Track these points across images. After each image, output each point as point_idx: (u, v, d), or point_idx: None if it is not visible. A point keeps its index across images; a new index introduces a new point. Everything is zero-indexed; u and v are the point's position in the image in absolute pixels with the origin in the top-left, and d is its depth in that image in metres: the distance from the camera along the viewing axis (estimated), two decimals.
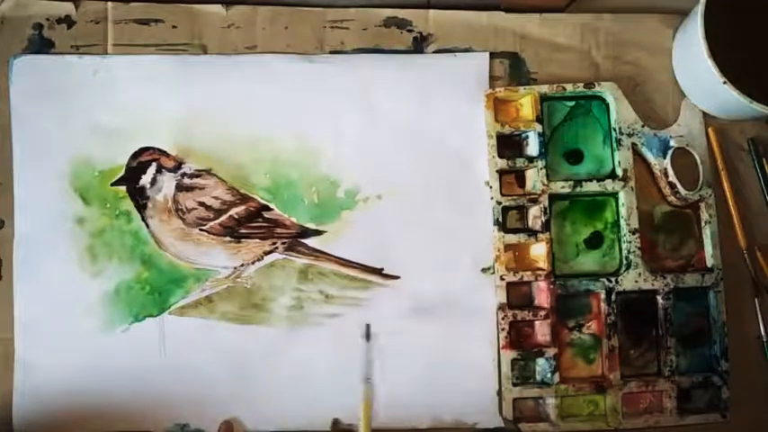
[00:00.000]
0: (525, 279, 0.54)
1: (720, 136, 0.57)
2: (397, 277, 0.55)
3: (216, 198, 0.55)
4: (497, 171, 0.55)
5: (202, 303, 0.54)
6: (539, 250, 0.54)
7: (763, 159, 0.57)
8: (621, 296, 0.54)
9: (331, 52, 0.57)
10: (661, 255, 0.56)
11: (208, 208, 0.54)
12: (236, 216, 0.54)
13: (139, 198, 0.54)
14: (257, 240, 0.54)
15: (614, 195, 0.56)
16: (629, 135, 0.56)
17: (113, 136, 0.54)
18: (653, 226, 0.56)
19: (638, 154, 0.56)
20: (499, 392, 0.54)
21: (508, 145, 0.56)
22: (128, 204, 0.54)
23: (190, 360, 0.53)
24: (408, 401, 0.53)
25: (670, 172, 0.55)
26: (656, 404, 0.54)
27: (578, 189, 0.55)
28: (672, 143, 0.56)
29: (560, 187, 0.55)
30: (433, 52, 0.57)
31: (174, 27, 0.56)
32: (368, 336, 0.52)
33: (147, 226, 0.54)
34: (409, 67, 0.56)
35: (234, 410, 0.53)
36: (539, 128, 0.55)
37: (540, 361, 0.54)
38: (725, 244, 0.56)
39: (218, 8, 0.56)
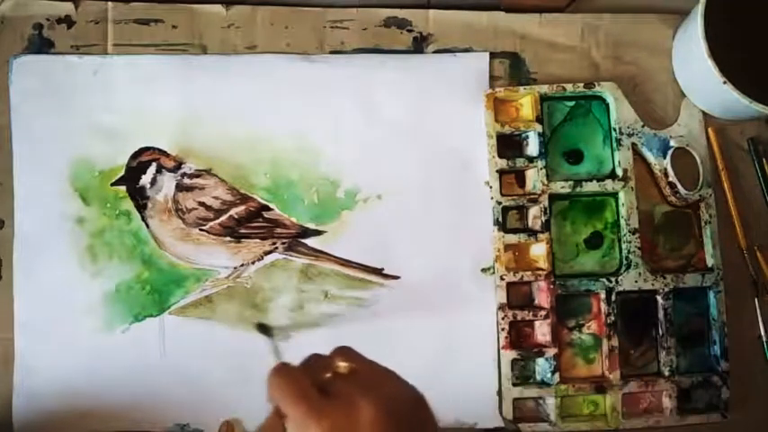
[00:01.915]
0: (525, 279, 0.54)
1: (720, 136, 0.57)
2: (397, 277, 0.55)
3: (216, 198, 0.55)
4: (497, 171, 0.55)
5: (202, 303, 0.54)
6: (539, 250, 0.54)
7: (763, 159, 0.57)
8: (621, 296, 0.54)
9: (331, 52, 0.57)
10: (661, 255, 0.56)
11: (208, 208, 0.54)
12: (236, 216, 0.54)
13: (139, 198, 0.54)
14: (257, 240, 0.54)
15: (614, 195, 0.56)
16: (629, 135, 0.56)
17: (113, 136, 0.54)
18: (653, 226, 0.56)
19: (638, 154, 0.56)
20: (499, 392, 0.54)
21: (508, 145, 0.56)
22: (128, 204, 0.54)
23: (190, 360, 0.53)
24: None
25: (670, 172, 0.55)
26: (656, 404, 0.54)
27: (578, 189, 0.55)
28: (672, 143, 0.56)
29: (560, 187, 0.55)
30: (433, 52, 0.57)
31: (174, 27, 0.56)
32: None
33: (147, 226, 0.54)
34: (409, 67, 0.56)
35: (234, 411, 0.53)
36: (539, 128, 0.55)
37: (540, 361, 0.54)
38: (725, 244, 0.56)
39: (218, 8, 0.56)
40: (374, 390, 0.31)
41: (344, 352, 0.35)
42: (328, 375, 0.33)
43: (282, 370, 0.33)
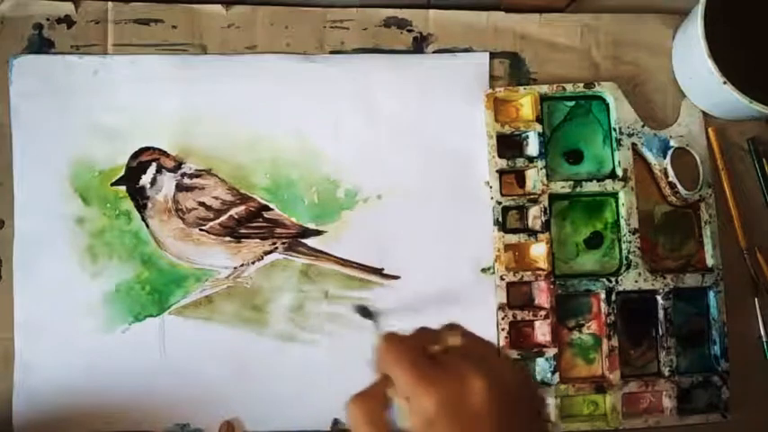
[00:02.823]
0: (525, 279, 0.54)
1: (720, 136, 0.57)
2: (397, 277, 0.55)
3: (216, 198, 0.55)
4: (497, 171, 0.55)
5: (202, 303, 0.54)
6: (539, 250, 0.54)
7: (763, 159, 0.57)
8: (621, 296, 0.54)
9: (331, 52, 0.57)
10: (661, 255, 0.56)
11: (208, 208, 0.54)
12: (236, 216, 0.54)
13: (139, 198, 0.54)
14: (257, 240, 0.54)
15: (614, 195, 0.56)
16: (629, 135, 0.56)
17: (113, 136, 0.54)
18: (653, 226, 0.56)
19: (638, 154, 0.56)
20: None
21: (508, 145, 0.56)
22: (128, 204, 0.54)
23: (190, 360, 0.53)
24: None
25: (670, 172, 0.55)
26: (656, 404, 0.54)
27: (578, 189, 0.55)
28: (672, 143, 0.56)
29: (560, 187, 0.55)
30: (433, 52, 0.57)
31: (173, 27, 0.56)
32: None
33: (147, 226, 0.54)
34: (409, 67, 0.56)
35: (234, 410, 0.53)
36: (539, 128, 0.55)
37: (540, 361, 0.54)
38: (725, 244, 0.56)
39: (218, 8, 0.56)
40: (485, 364, 0.31)
41: (453, 327, 0.35)
42: (438, 348, 0.33)
43: (394, 337, 0.33)
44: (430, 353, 0.33)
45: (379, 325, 0.42)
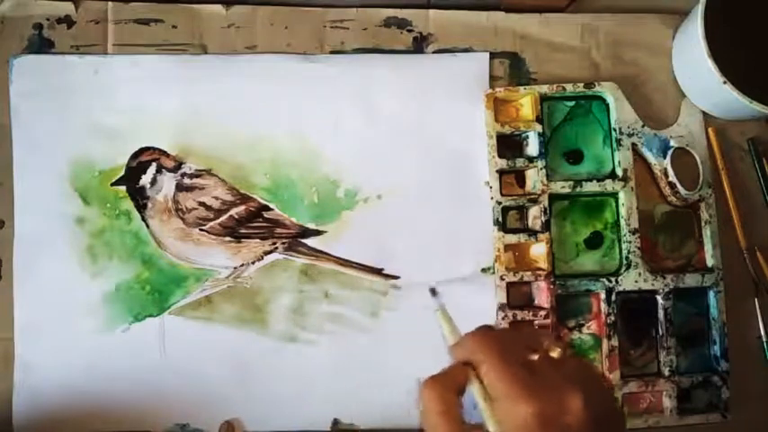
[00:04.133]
0: (525, 279, 0.54)
1: (720, 136, 0.57)
2: (396, 277, 0.55)
3: (216, 198, 0.55)
4: (497, 171, 0.55)
5: (202, 303, 0.54)
6: (539, 250, 0.54)
7: (763, 159, 0.58)
8: (621, 296, 0.54)
9: (331, 52, 0.57)
10: (661, 255, 0.56)
11: (208, 208, 0.54)
12: (236, 216, 0.54)
13: (139, 198, 0.54)
14: (257, 240, 0.54)
15: (614, 195, 0.56)
16: (629, 135, 0.56)
17: (113, 136, 0.54)
18: (653, 226, 0.56)
19: (638, 154, 0.56)
20: None
21: (508, 145, 0.56)
22: (128, 204, 0.54)
23: (190, 360, 0.53)
24: (408, 401, 0.53)
25: (670, 172, 0.55)
26: (656, 404, 0.54)
27: (578, 189, 0.55)
28: (672, 143, 0.56)
29: (560, 187, 0.55)
30: (433, 52, 0.57)
31: (173, 27, 0.56)
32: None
33: (148, 226, 0.54)
34: (409, 67, 0.56)
35: (234, 410, 0.53)
36: (539, 128, 0.55)
37: None
38: (725, 244, 0.56)
39: (218, 8, 0.56)
40: (583, 383, 0.31)
41: (552, 337, 0.35)
42: (535, 357, 0.33)
43: (490, 332, 0.33)
44: (528, 359, 0.32)
45: (441, 303, 0.41)
